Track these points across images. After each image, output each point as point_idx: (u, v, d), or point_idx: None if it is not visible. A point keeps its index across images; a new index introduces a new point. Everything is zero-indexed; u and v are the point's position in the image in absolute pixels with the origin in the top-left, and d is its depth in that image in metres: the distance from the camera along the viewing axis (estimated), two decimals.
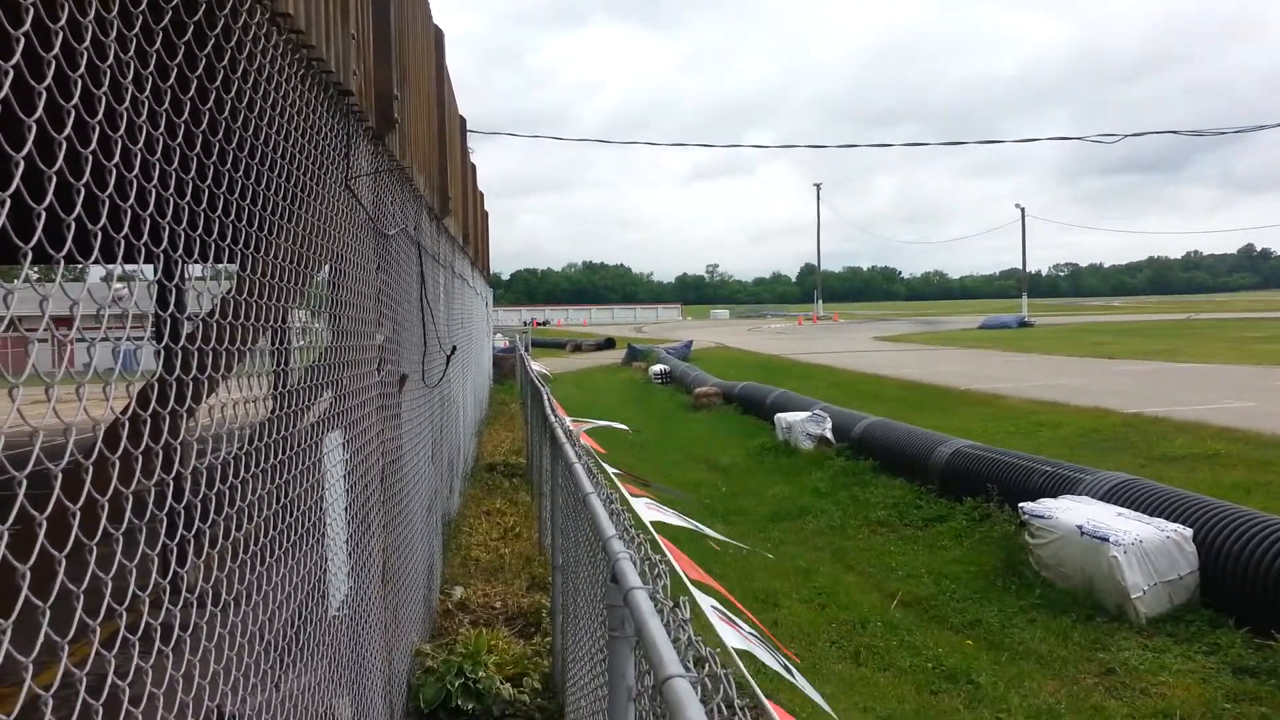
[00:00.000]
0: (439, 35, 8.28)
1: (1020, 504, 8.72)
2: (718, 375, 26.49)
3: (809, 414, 15.57)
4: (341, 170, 3.72)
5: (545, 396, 8.49)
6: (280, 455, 2.62)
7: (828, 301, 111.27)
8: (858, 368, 29.37)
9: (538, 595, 7.41)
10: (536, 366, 15.91)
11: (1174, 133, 29.78)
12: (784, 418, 15.85)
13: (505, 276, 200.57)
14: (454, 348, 7.80)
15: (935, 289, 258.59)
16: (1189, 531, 7.49)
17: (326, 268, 3.53)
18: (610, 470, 5.83)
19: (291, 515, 2.71)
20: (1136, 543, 7.29)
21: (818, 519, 11.32)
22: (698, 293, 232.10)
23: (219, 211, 2.23)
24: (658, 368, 30.47)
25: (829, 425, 15.05)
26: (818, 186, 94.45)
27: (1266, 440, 13.05)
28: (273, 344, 2.92)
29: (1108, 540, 7.38)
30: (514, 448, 15.42)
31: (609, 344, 51.98)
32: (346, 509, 3.51)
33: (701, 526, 5.15)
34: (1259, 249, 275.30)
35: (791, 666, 2.92)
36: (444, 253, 8.85)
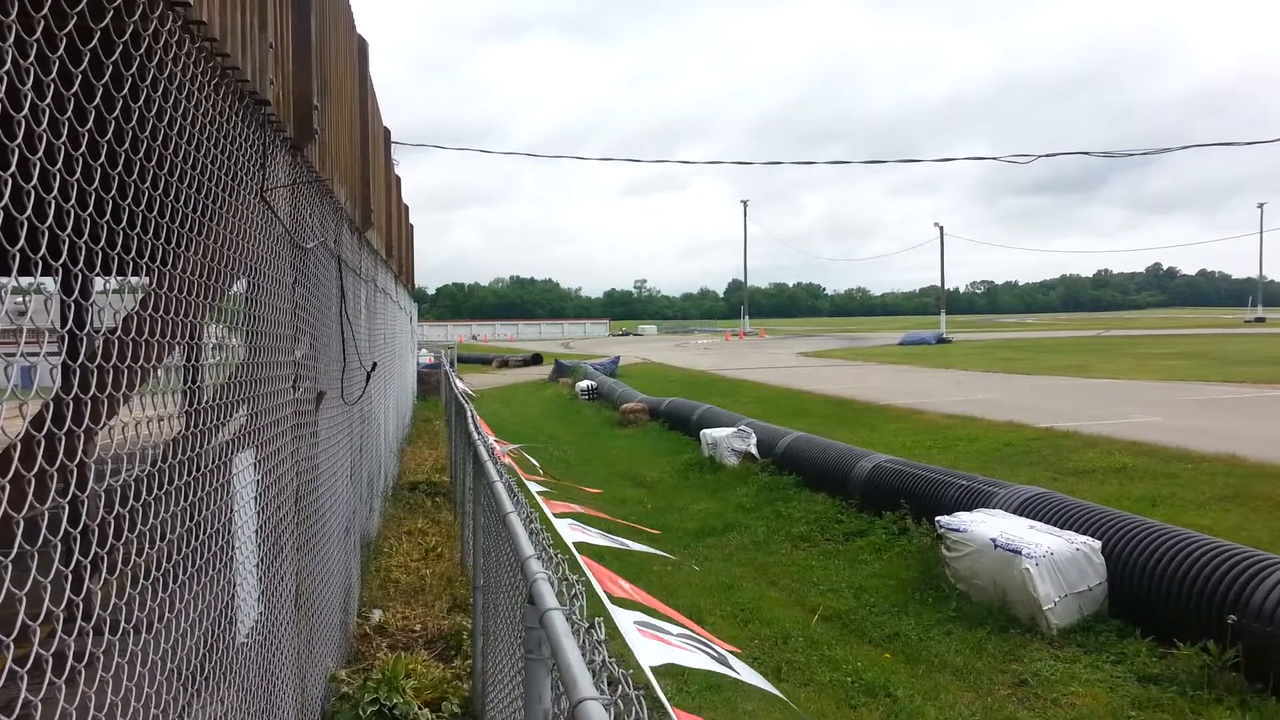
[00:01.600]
0: (363, 45, 8.16)
1: (937, 518, 8.89)
2: (644, 391, 26.55)
3: (734, 430, 15.70)
4: (257, 182, 3.63)
5: (469, 413, 8.40)
6: (186, 477, 2.53)
7: (754, 317, 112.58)
8: (782, 383, 29.75)
9: (459, 617, 7.30)
10: (460, 384, 15.75)
11: (1085, 154, 31.00)
12: (709, 434, 15.95)
13: (431, 291, 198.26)
14: (374, 364, 7.67)
15: (858, 305, 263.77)
16: (1098, 544, 7.73)
17: (241, 282, 3.44)
18: (534, 488, 5.78)
19: (198, 539, 2.62)
20: (1047, 555, 7.49)
21: (742, 535, 11.39)
22: (626, 308, 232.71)
23: (124, 224, 2.16)
24: (584, 384, 30.39)
25: (754, 441, 15.18)
26: (744, 203, 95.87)
27: (1172, 454, 13.59)
28: (184, 361, 2.83)
29: (1020, 553, 7.57)
30: (437, 465, 15.21)
31: (536, 360, 51.75)
32: (257, 531, 3.42)
33: (628, 543, 5.12)
34: (1165, 268, 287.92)
35: (729, 657, 2.88)
36: (366, 267, 8.71)
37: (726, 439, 15.37)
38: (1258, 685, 6.11)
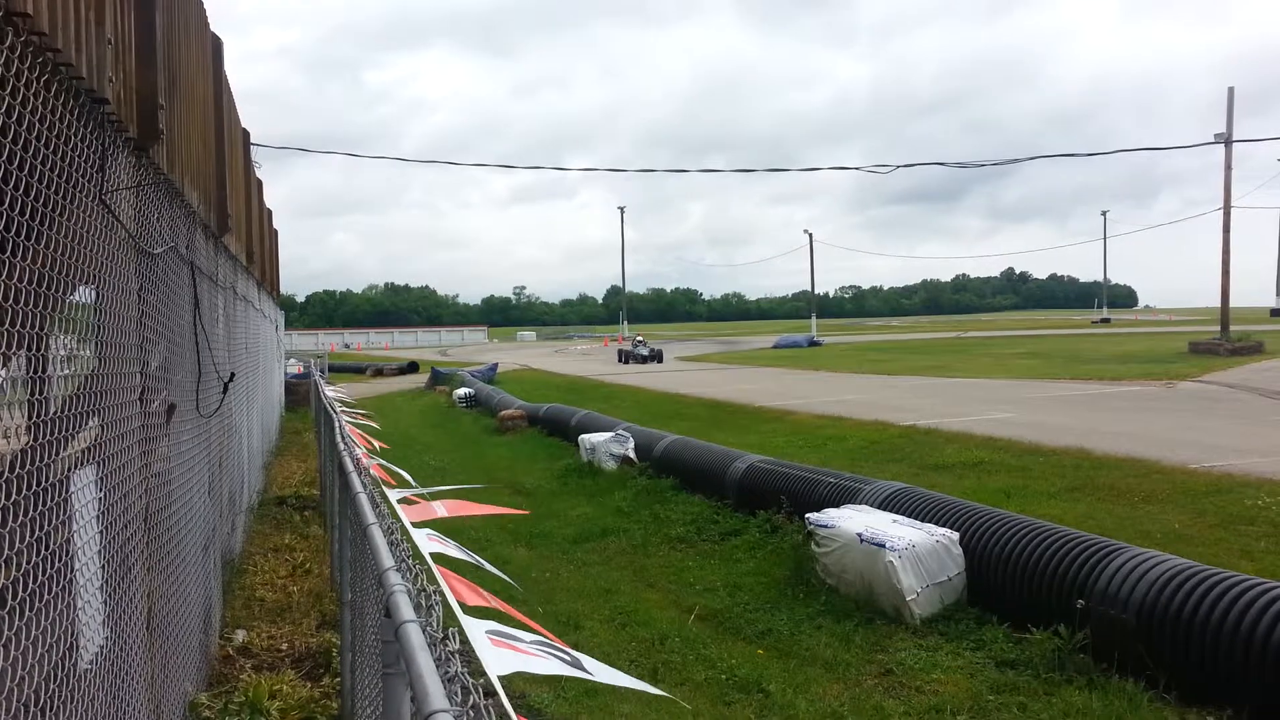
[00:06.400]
0: (217, 44, 7.85)
1: (807, 514, 9.13)
2: (523, 398, 26.37)
3: (612, 435, 15.76)
4: (96, 184, 3.44)
5: (337, 424, 8.17)
6: (16, 495, 2.37)
7: (633, 322, 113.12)
8: (660, 387, 30.05)
9: (328, 634, 7.09)
10: (331, 392, 15.29)
11: (940, 164, 32.44)
12: (588, 439, 15.97)
13: (300, 299, 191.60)
14: (232, 374, 7.37)
15: (734, 310, 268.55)
16: (956, 535, 8.07)
17: (82, 290, 3.26)
18: (392, 497, 5.65)
19: (29, 562, 2.46)
20: (909, 547, 7.78)
21: (620, 538, 11.44)
22: (505, 315, 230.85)
23: None
24: (462, 391, 29.98)
25: (631, 445, 15.28)
26: (621, 209, 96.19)
27: (1024, 448, 14.35)
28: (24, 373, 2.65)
29: (884, 546, 7.84)
30: (306, 479, 14.74)
31: (412, 368, 50.73)
32: (100, 552, 3.23)
33: (483, 562, 4.97)
34: (1018, 272, 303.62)
35: (582, 659, 2.85)
36: (224, 273, 8.36)
37: (605, 444, 15.42)
38: (1104, 665, 6.49)
